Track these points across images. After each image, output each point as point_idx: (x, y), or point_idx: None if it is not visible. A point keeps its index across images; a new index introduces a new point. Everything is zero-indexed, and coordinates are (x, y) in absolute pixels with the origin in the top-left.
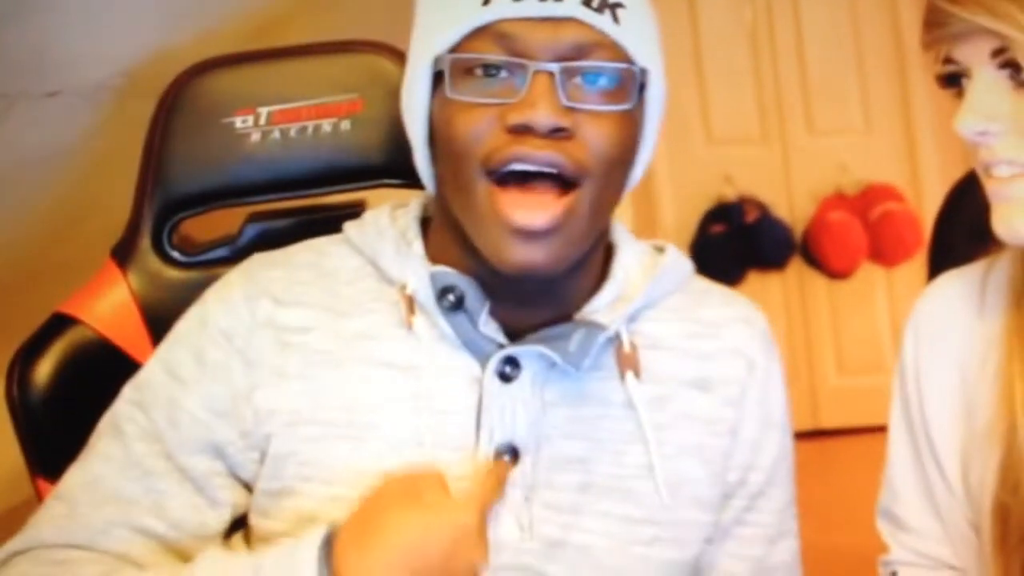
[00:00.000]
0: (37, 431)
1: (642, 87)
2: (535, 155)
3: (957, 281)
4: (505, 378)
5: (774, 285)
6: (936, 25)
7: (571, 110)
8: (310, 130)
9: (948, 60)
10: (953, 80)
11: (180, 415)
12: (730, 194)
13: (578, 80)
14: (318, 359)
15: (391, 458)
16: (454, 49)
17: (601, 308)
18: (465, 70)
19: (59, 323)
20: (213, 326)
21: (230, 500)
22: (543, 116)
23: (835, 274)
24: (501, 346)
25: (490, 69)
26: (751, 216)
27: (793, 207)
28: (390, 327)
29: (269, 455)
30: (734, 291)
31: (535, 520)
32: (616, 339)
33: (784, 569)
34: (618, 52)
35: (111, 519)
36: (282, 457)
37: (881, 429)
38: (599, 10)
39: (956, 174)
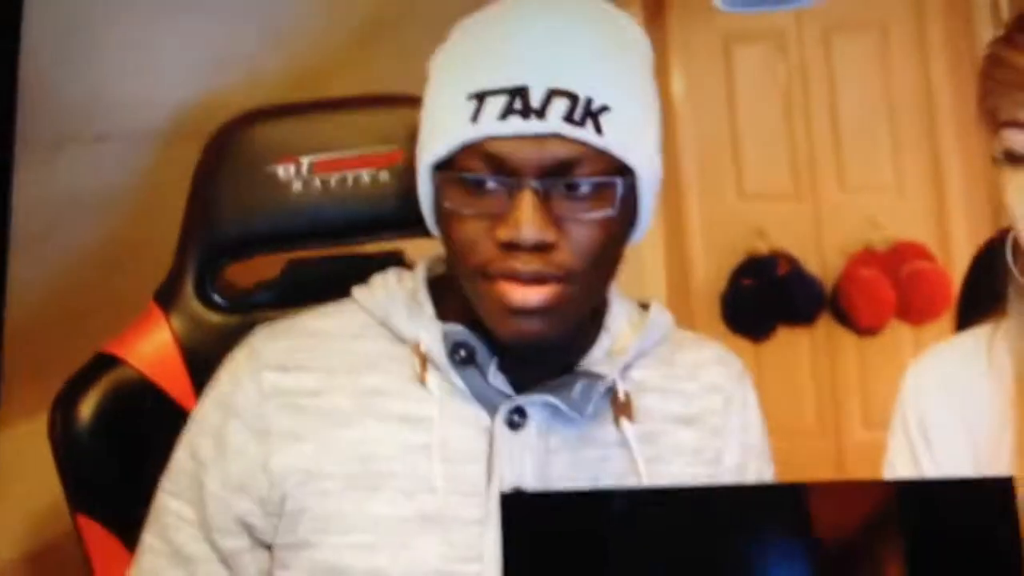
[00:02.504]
0: (78, 468)
1: (631, 185)
2: (523, 270)
3: (959, 348)
4: (513, 426)
5: (803, 339)
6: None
7: (556, 221)
8: (350, 180)
9: (1015, 124)
10: (1019, 156)
11: (206, 497)
12: (762, 248)
13: (562, 191)
14: (330, 419)
15: (406, 504)
16: (447, 162)
17: (598, 360)
18: (458, 183)
19: (103, 362)
20: (225, 406)
21: (261, 571)
22: (528, 234)
23: (863, 330)
24: (508, 397)
25: (480, 184)
26: (782, 270)
27: (824, 262)
28: (402, 382)
29: (285, 513)
30: (706, 337)
31: None
32: (612, 388)
33: None
34: (602, 160)
35: None
36: (296, 513)
37: None
38: (581, 123)
39: (985, 235)
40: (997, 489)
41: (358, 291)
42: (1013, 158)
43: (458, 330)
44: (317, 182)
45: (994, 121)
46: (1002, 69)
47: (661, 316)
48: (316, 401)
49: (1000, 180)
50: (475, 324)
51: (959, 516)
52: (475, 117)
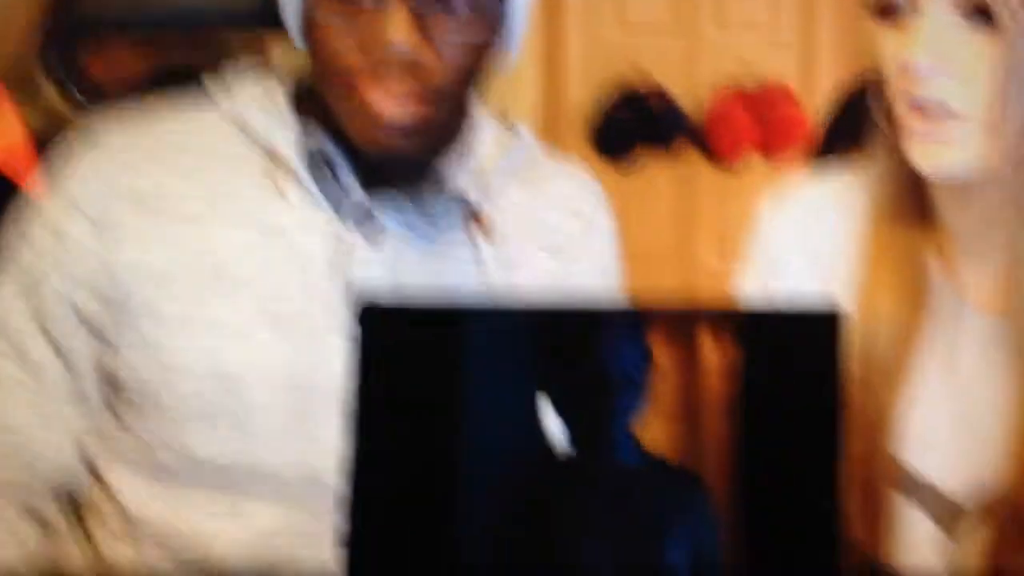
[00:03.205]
0: None
1: (504, 7)
2: (392, 85)
3: (816, 188)
4: (368, 239)
5: (664, 170)
6: None
7: (428, 39)
8: None
9: None
10: (891, 9)
11: (44, 290)
12: (636, 80)
13: (436, 10)
14: (182, 222)
15: (258, 310)
16: None
17: (459, 178)
18: None
19: None
20: (65, 199)
21: (100, 365)
22: (400, 47)
23: (722, 162)
24: (365, 208)
25: None
26: (654, 102)
27: (695, 97)
28: (258, 188)
29: (130, 312)
30: (569, 163)
31: None
32: (471, 206)
33: None
34: None
35: (15, 413)
36: (142, 314)
37: None
38: None
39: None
40: (823, 321)
41: (216, 90)
42: (885, 13)
43: (317, 137)
44: None
45: None
46: None
47: (526, 139)
48: (167, 203)
49: (875, 35)
50: (335, 134)
51: (787, 346)
52: None
